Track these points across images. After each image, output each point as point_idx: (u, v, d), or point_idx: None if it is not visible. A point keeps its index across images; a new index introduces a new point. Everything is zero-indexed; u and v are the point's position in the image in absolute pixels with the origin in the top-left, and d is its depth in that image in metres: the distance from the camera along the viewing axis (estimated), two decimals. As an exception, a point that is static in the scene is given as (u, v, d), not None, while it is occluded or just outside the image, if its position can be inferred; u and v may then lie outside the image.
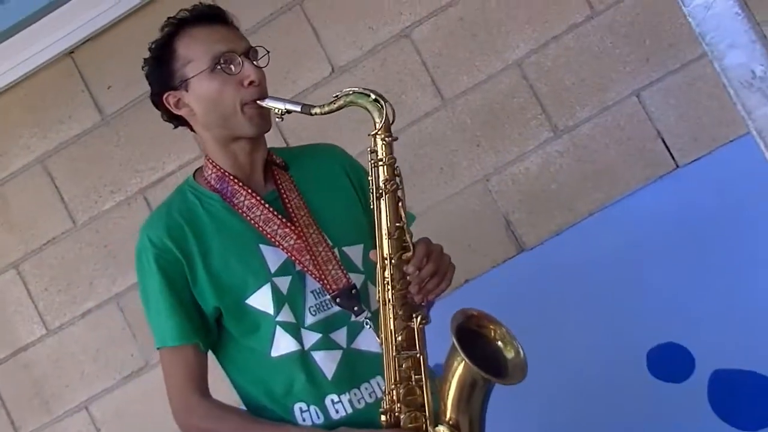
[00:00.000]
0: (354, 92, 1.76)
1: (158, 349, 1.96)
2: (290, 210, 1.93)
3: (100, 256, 3.14)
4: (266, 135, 1.98)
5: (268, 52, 1.94)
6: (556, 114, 2.95)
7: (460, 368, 1.81)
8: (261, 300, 1.88)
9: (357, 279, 1.93)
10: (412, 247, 1.77)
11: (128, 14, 3.07)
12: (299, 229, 1.90)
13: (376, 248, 1.80)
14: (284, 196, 1.95)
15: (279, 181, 1.97)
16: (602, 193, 2.91)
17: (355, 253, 1.96)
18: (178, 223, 1.91)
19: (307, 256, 1.89)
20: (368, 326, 1.88)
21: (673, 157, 2.90)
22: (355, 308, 1.88)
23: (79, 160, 3.16)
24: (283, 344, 1.89)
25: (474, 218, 2.95)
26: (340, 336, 1.91)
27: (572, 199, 2.93)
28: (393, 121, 1.78)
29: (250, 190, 1.92)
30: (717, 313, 2.80)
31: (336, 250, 1.93)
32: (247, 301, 1.89)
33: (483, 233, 2.95)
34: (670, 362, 2.84)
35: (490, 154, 2.97)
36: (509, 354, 1.86)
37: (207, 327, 1.93)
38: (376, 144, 1.78)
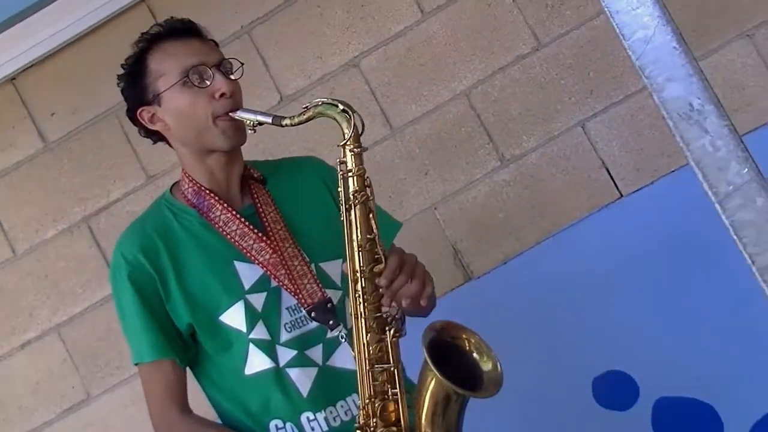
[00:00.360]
0: (323, 103, 1.76)
1: (136, 365, 1.94)
2: (266, 224, 1.92)
3: (41, 286, 3.10)
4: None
5: (242, 64, 1.93)
6: (503, 143, 2.98)
7: (433, 382, 1.78)
8: (234, 317, 1.87)
9: (334, 295, 1.92)
10: (384, 259, 1.75)
11: (72, 41, 3.05)
12: (275, 243, 1.89)
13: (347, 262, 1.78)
14: (260, 210, 1.94)
15: (256, 196, 1.96)
16: (549, 221, 2.94)
17: (332, 268, 1.95)
18: (152, 239, 1.91)
19: (282, 271, 1.87)
20: (343, 340, 1.87)
21: (617, 187, 2.94)
22: (331, 322, 1.87)
23: (20, 188, 3.12)
24: (257, 362, 1.89)
25: (422, 246, 2.78)
26: (316, 353, 1.89)
27: (519, 228, 2.95)
28: (362, 132, 1.77)
29: (226, 205, 1.91)
30: (660, 341, 2.82)
31: (313, 266, 1.92)
32: (221, 318, 1.88)
33: (431, 261, 2.74)
34: (614, 390, 2.86)
35: (438, 182, 2.99)
36: (485, 366, 1.84)
37: (183, 343, 1.92)
38: (345, 155, 1.77)
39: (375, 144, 2.97)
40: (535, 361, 2.84)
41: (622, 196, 2.93)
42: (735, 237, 1.04)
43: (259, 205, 1.95)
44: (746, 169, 1.04)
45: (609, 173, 2.94)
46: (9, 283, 3.10)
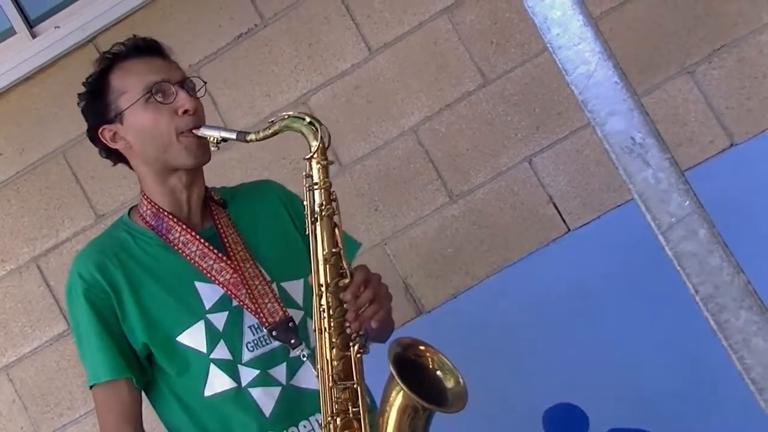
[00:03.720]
0: (289, 116, 1.76)
1: (91, 387, 1.89)
2: (227, 245, 1.90)
3: (-14, 327, 3.05)
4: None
5: (205, 83, 1.92)
6: (452, 179, 3.01)
7: (399, 398, 1.76)
8: (193, 337, 1.84)
9: (296, 315, 1.90)
10: (349, 274, 1.74)
11: (18, 82, 3.05)
12: (235, 263, 1.88)
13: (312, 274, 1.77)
14: (221, 231, 1.92)
15: (216, 218, 1.94)
16: (498, 256, 2.97)
17: (293, 288, 1.94)
18: (108, 257, 1.88)
19: (243, 290, 1.86)
20: (305, 359, 1.85)
21: (564, 221, 2.97)
22: (292, 341, 1.84)
23: None
24: (218, 383, 1.85)
25: None
26: (280, 372, 1.86)
27: (469, 263, 2.98)
28: (328, 145, 1.76)
29: (185, 226, 1.89)
30: (609, 373, 2.84)
31: (274, 285, 1.90)
32: (178, 339, 1.84)
33: None
34: (565, 422, 2.88)
35: (388, 218, 3.01)
36: (449, 383, 1.83)
37: (139, 363, 1.88)
38: (311, 168, 1.76)
39: None
40: (485, 393, 2.70)
41: (569, 230, 2.97)
42: (678, 268, 1.06)
43: (219, 226, 1.93)
44: (687, 201, 1.07)
45: (556, 208, 2.98)
46: None
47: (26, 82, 3.05)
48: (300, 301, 1.93)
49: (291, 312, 1.88)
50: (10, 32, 3.10)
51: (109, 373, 1.85)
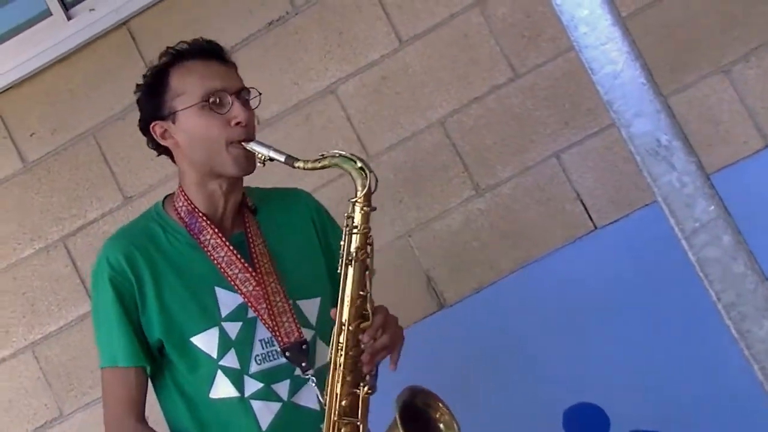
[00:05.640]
0: (340, 155, 1.78)
1: (102, 368, 1.93)
2: (254, 256, 1.92)
3: (17, 303, 3.09)
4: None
5: (260, 93, 1.94)
6: (478, 173, 2.98)
7: None
8: (206, 342, 1.88)
9: (307, 334, 1.93)
10: (371, 317, 1.79)
11: (54, 62, 3.07)
12: (260, 276, 1.90)
13: (336, 307, 1.81)
14: (250, 240, 1.95)
15: (248, 225, 1.96)
16: (523, 251, 2.94)
17: (309, 307, 1.97)
18: (137, 247, 1.90)
19: (264, 305, 1.88)
20: (313, 383, 1.88)
21: (591, 219, 2.94)
22: (303, 364, 1.88)
23: None
24: (222, 389, 1.89)
25: (395, 274, 2.94)
26: (282, 388, 1.90)
27: (493, 257, 2.95)
28: (375, 190, 1.80)
29: (216, 230, 1.91)
30: (632, 373, 2.82)
31: (291, 302, 1.92)
32: (192, 339, 1.88)
33: (404, 289, 2.95)
34: (585, 422, 2.86)
35: (413, 210, 2.99)
36: None
37: (152, 354, 1.92)
38: (354, 211, 1.80)
39: None
40: (505, 390, 2.85)
41: (596, 228, 2.94)
42: (701, 274, 1.04)
43: (249, 235, 1.95)
44: (713, 207, 1.05)
45: (583, 205, 2.95)
46: None
47: (60, 63, 3.06)
48: (313, 320, 1.96)
49: (303, 331, 1.92)
50: (46, 14, 3.12)
51: (126, 359, 1.89)
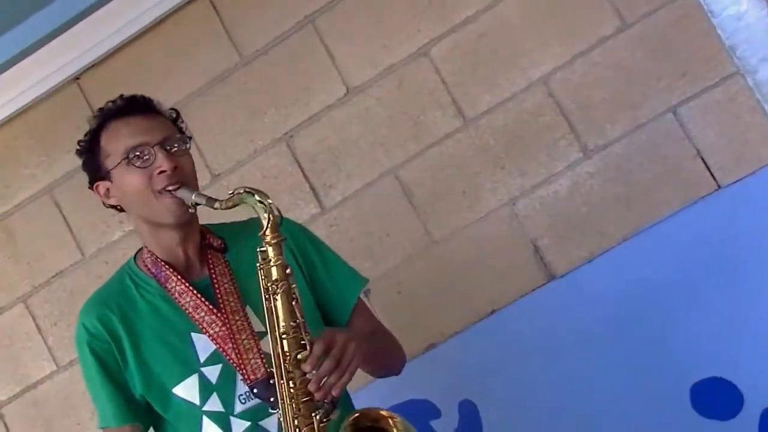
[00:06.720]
0: (244, 191, 1.86)
1: (102, 429, 2.05)
2: (219, 296, 1.99)
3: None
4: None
5: (190, 138, 2.04)
6: (586, 133, 2.89)
7: None
8: (187, 390, 1.96)
9: None
10: (309, 346, 1.83)
11: (134, 38, 3.08)
12: (225, 315, 1.96)
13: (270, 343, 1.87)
14: (215, 281, 2.00)
15: (212, 266, 2.03)
16: (637, 216, 2.85)
17: None
18: (111, 308, 2.00)
19: (230, 344, 1.94)
20: (278, 417, 1.91)
21: (714, 177, 2.83)
22: (272, 399, 1.90)
23: (86, 189, 3.04)
24: None
25: (499, 244, 2.91)
26: (271, 424, 1.95)
27: (604, 224, 2.87)
28: (280, 221, 1.86)
29: (179, 277, 1.99)
30: (766, 345, 2.70)
31: (267, 339, 1.94)
32: (173, 390, 1.96)
33: (509, 260, 2.91)
34: (716, 398, 2.76)
35: (516, 176, 2.92)
36: None
37: (145, 407, 2.01)
38: (265, 245, 1.87)
39: (446, 137, 2.93)
40: (625, 366, 2.78)
41: (719, 187, 2.82)
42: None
43: (214, 276, 2.01)
44: None
45: (704, 163, 2.83)
46: (79, 286, 3.12)
47: (140, 38, 3.07)
48: None
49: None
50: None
51: (117, 420, 1.99)
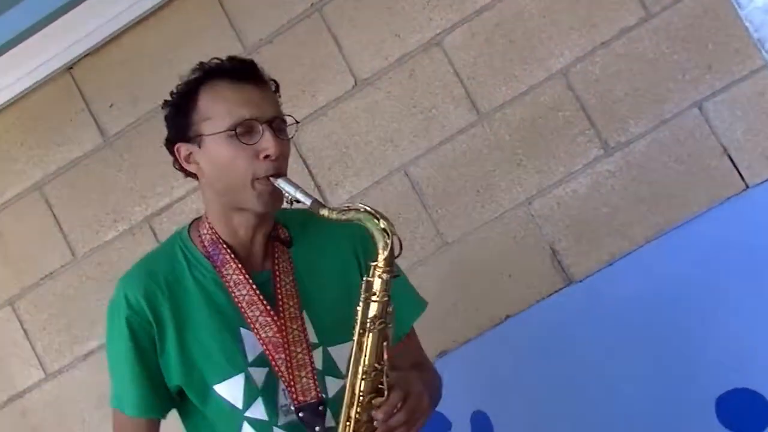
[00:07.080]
0: (365, 210, 1.72)
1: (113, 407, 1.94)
2: (279, 298, 1.86)
3: (103, 291, 2.94)
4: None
5: (297, 122, 1.90)
6: (607, 129, 2.84)
7: None
8: (231, 390, 1.83)
9: (335, 385, 1.87)
10: (386, 391, 1.72)
11: (130, 26, 3.02)
12: (282, 321, 1.83)
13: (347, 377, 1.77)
14: (277, 280, 1.87)
15: (276, 261, 1.89)
16: (660, 217, 2.81)
17: (341, 353, 1.89)
18: (159, 285, 1.86)
19: (282, 355, 1.82)
20: None
21: (741, 176, 2.79)
22: (317, 428, 1.81)
23: (79, 186, 3.09)
24: None
25: (515, 246, 2.86)
26: None
27: (626, 225, 2.83)
28: (399, 255, 1.72)
29: (240, 265, 1.85)
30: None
31: (318, 352, 1.86)
32: (215, 387, 1.83)
33: (525, 263, 2.86)
34: (742, 410, 2.71)
35: (533, 174, 2.87)
36: None
37: (170, 399, 1.89)
38: (373, 275, 1.72)
39: (460, 132, 2.87)
40: (647, 376, 2.74)
41: (747, 187, 2.78)
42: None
43: (277, 273, 1.88)
44: None
45: (732, 161, 2.78)
46: (70, 288, 3.08)
47: (137, 26, 3.01)
48: (343, 368, 1.89)
49: (330, 381, 1.87)
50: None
51: (136, 410, 1.87)
